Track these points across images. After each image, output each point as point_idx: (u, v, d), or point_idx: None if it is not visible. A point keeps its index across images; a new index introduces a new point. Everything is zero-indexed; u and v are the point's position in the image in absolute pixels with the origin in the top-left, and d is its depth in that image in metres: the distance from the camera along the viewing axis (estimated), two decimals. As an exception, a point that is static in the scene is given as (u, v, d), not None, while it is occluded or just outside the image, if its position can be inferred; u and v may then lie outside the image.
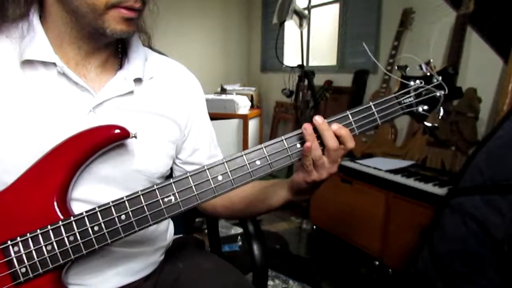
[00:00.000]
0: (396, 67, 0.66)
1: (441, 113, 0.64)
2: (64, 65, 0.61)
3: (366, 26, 2.85)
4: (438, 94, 0.63)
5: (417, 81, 0.64)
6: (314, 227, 2.48)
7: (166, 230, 0.81)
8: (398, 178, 1.85)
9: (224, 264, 0.81)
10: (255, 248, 0.90)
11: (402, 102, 0.63)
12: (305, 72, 2.62)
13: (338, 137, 0.59)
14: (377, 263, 1.99)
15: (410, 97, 0.63)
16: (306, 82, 2.64)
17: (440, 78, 0.64)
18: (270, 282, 1.86)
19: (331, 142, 0.58)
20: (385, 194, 1.90)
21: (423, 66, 0.64)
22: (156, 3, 0.69)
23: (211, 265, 0.78)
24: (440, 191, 1.64)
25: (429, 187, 1.69)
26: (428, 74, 0.64)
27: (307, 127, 0.58)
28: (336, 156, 0.59)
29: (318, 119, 0.58)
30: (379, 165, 2.02)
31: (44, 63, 0.61)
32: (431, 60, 0.64)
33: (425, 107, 0.64)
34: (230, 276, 0.76)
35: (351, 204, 2.13)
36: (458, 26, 2.03)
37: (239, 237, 2.25)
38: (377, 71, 2.77)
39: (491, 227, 1.19)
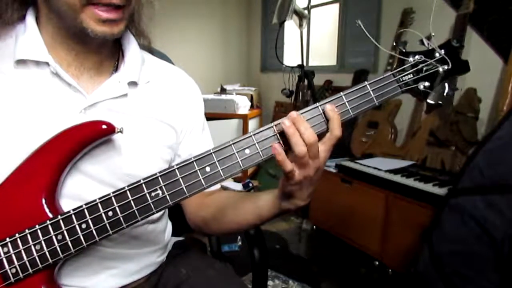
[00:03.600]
0: (394, 43, 0.63)
1: (446, 90, 0.60)
2: (57, 65, 0.61)
3: (366, 26, 2.82)
4: (440, 69, 0.59)
5: (417, 56, 0.60)
6: (314, 227, 2.48)
7: (164, 231, 0.80)
8: (398, 178, 1.85)
9: (227, 272, 0.80)
10: (255, 248, 0.90)
11: (401, 79, 0.59)
12: (305, 72, 2.62)
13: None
14: (377, 263, 1.99)
15: (409, 73, 0.59)
16: (306, 82, 2.64)
17: (442, 51, 0.59)
18: (270, 282, 1.86)
19: (308, 135, 0.54)
20: (385, 194, 1.90)
21: (425, 41, 0.60)
22: (153, 5, 0.69)
23: (214, 272, 0.77)
24: (440, 191, 1.64)
25: (429, 187, 1.69)
26: (430, 48, 0.60)
27: (285, 121, 0.54)
28: (316, 151, 0.55)
29: (292, 113, 0.55)
30: (379, 165, 2.02)
31: (37, 63, 0.61)
32: (433, 34, 0.60)
33: (427, 84, 0.59)
34: (232, 285, 0.75)
35: (351, 204, 2.13)
36: (458, 26, 2.03)
37: (238, 237, 2.24)
38: (377, 71, 2.77)
39: (491, 227, 1.19)
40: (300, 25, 2.57)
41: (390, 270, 1.92)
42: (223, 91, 3.65)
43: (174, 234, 0.86)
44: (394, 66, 0.61)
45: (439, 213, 1.42)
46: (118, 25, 0.59)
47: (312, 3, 3.27)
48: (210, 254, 1.07)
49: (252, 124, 3.47)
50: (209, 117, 0.83)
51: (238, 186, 2.54)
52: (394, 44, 0.62)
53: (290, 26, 3.09)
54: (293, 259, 2.16)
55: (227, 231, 0.76)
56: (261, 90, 4.01)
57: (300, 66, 2.62)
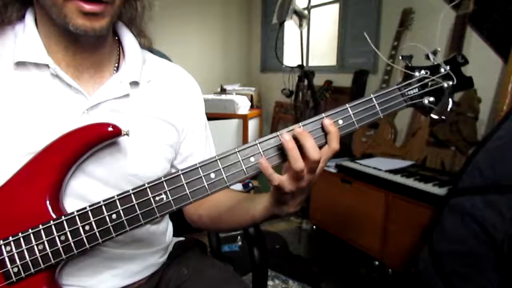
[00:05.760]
0: (400, 57, 0.61)
1: (450, 105, 0.59)
2: (57, 66, 0.61)
3: (366, 26, 2.85)
4: (445, 84, 0.59)
5: (422, 71, 0.60)
6: (314, 227, 2.48)
7: (165, 232, 0.80)
8: (398, 178, 1.85)
9: (228, 272, 0.80)
10: (255, 248, 0.90)
11: (406, 94, 0.60)
12: (305, 72, 2.62)
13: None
14: (377, 263, 1.99)
15: (414, 88, 0.60)
16: (306, 82, 2.64)
17: (448, 67, 0.60)
18: (270, 282, 1.86)
19: (313, 152, 0.53)
20: (385, 194, 1.90)
21: (430, 56, 0.60)
22: (153, 5, 0.69)
23: (215, 272, 0.78)
24: (440, 191, 1.64)
25: (428, 187, 1.69)
26: (435, 63, 0.60)
27: (285, 135, 0.54)
28: (316, 167, 0.55)
29: (297, 128, 0.55)
30: (379, 165, 2.02)
31: (37, 65, 0.61)
32: (439, 49, 0.60)
33: (431, 99, 0.60)
34: (234, 285, 0.75)
35: (351, 204, 2.13)
36: (458, 26, 2.03)
37: (238, 237, 2.25)
38: (377, 71, 2.77)
39: (491, 227, 1.19)
40: (300, 25, 2.57)
41: (390, 270, 1.92)
42: (223, 91, 3.65)
43: (174, 234, 0.86)
44: (401, 80, 0.61)
45: (439, 213, 1.42)
46: (100, 20, 0.57)
47: (312, 3, 3.27)
48: (210, 254, 1.07)
49: (252, 124, 3.47)
50: (209, 117, 0.83)
51: (238, 186, 2.54)
52: (400, 58, 0.61)
53: (290, 26, 3.09)
54: (293, 259, 2.16)
55: (221, 229, 0.77)
56: (261, 90, 4.01)
57: (300, 66, 2.62)
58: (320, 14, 3.47)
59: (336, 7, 3.24)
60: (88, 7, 0.55)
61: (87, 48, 0.64)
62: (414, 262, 1.52)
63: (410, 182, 1.78)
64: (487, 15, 2.01)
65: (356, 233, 2.11)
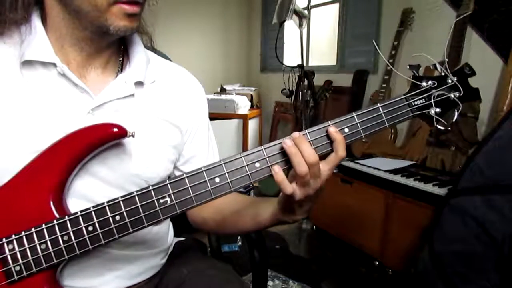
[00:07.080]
0: (408, 66, 0.61)
1: (455, 117, 0.60)
2: (64, 65, 0.61)
3: (366, 26, 2.85)
4: (452, 96, 0.59)
5: (430, 82, 0.60)
6: (314, 227, 2.48)
7: (167, 233, 0.81)
8: (398, 178, 1.85)
9: (228, 272, 0.80)
10: (255, 248, 0.90)
11: (413, 104, 0.59)
12: (305, 72, 2.62)
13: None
14: (377, 263, 1.99)
15: (421, 98, 0.59)
16: (306, 82, 2.64)
17: (455, 79, 0.60)
18: (270, 282, 1.86)
19: (308, 154, 0.55)
20: (385, 194, 1.90)
21: (438, 66, 0.60)
22: (156, 1, 0.69)
23: (215, 272, 0.78)
24: (440, 191, 1.64)
25: (429, 187, 1.69)
26: (442, 74, 0.60)
27: (287, 141, 0.55)
28: (317, 171, 0.56)
29: (295, 133, 0.56)
30: (379, 165, 2.02)
31: (44, 64, 0.61)
32: (446, 59, 0.60)
33: (438, 110, 0.60)
34: (234, 285, 0.75)
35: (351, 204, 2.13)
36: (458, 26, 2.03)
37: (238, 237, 2.25)
38: (377, 71, 2.77)
39: (491, 227, 1.19)
40: (300, 25, 2.57)
41: (390, 270, 1.92)
42: (223, 91, 3.65)
43: (174, 234, 0.86)
44: (408, 90, 0.61)
45: (439, 213, 1.42)
46: (137, 21, 0.62)
47: (312, 3, 3.27)
48: (210, 254, 1.07)
49: (252, 124, 3.47)
50: (209, 117, 0.84)
51: (238, 186, 2.54)
52: (408, 67, 0.61)
53: (290, 26, 3.09)
54: (293, 259, 2.16)
55: (224, 233, 0.78)
56: (261, 90, 4.00)
57: (300, 66, 2.62)
58: (320, 14, 3.47)
59: (336, 7, 3.24)
60: (131, 9, 0.59)
61: (102, 48, 0.65)
62: (414, 262, 1.52)
63: (410, 182, 1.79)
64: (487, 15, 2.01)
65: (356, 233, 2.11)
